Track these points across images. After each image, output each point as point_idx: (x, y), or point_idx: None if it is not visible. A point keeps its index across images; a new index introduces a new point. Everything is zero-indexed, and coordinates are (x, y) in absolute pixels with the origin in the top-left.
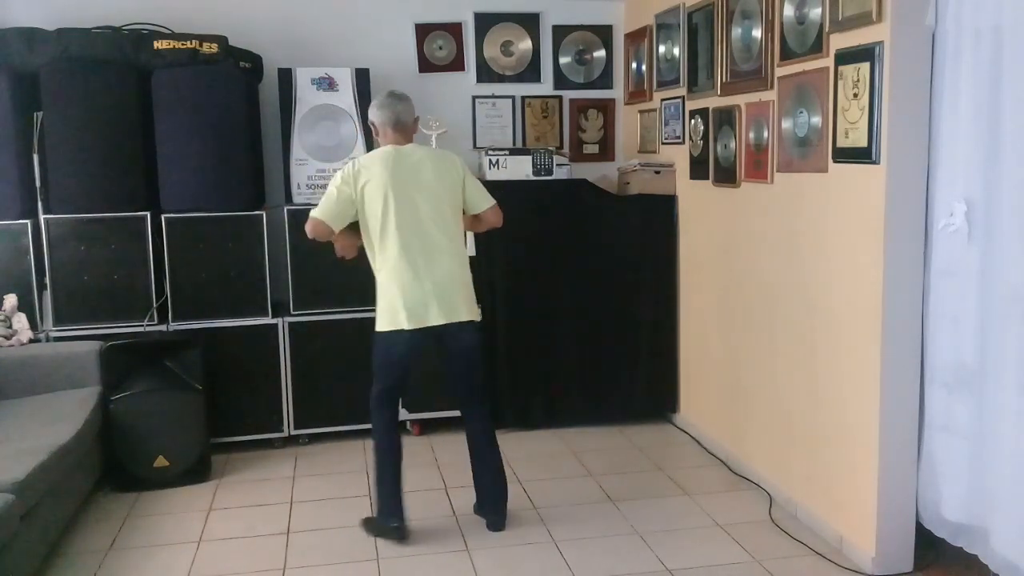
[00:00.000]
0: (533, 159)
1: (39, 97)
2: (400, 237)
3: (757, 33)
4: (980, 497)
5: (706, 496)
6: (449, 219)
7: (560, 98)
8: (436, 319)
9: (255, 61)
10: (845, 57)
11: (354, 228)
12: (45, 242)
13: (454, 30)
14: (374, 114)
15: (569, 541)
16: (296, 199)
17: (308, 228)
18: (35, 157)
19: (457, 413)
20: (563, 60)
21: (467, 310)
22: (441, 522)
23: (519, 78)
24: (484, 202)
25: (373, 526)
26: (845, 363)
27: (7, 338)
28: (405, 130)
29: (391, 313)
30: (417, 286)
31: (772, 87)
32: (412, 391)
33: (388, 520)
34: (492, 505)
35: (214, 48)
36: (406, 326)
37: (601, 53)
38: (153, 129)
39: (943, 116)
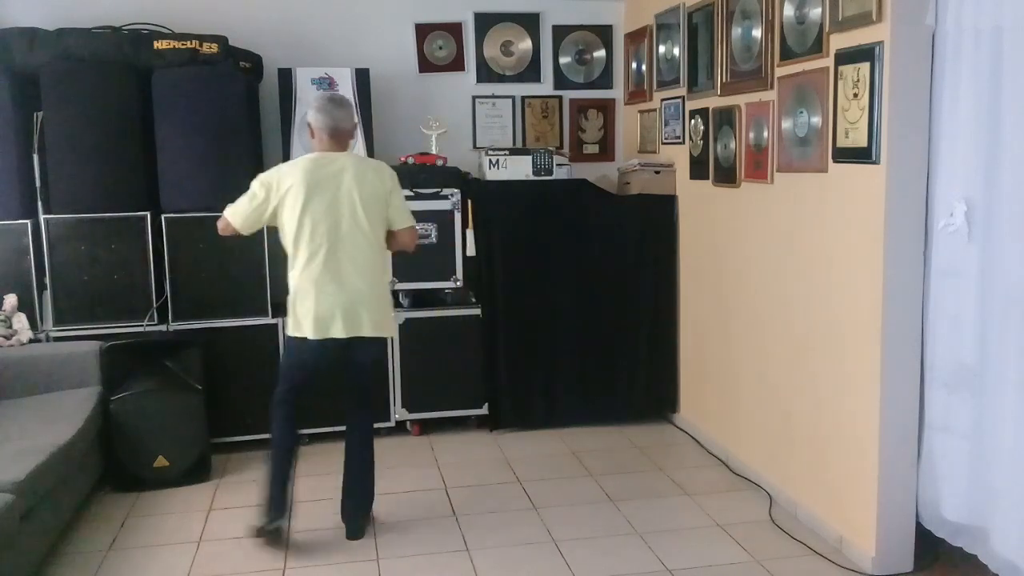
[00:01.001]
0: (533, 159)
1: (39, 97)
2: (311, 248)
3: (757, 33)
4: (980, 497)
5: (706, 496)
6: (367, 231)
7: (560, 98)
8: (338, 332)
9: (255, 61)
10: (845, 57)
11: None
12: (45, 242)
13: (454, 30)
14: (312, 117)
15: (569, 541)
16: None
17: (219, 225)
18: (35, 157)
19: (457, 413)
20: (563, 60)
21: (371, 326)
22: (441, 522)
23: (519, 78)
24: (402, 221)
25: (256, 530)
26: (845, 363)
27: (7, 338)
28: (341, 137)
29: (296, 321)
30: (323, 299)
31: (772, 87)
32: (411, 392)
33: (270, 520)
34: (352, 512)
35: (214, 48)
36: (310, 336)
37: (601, 53)
38: (153, 129)
39: (943, 116)
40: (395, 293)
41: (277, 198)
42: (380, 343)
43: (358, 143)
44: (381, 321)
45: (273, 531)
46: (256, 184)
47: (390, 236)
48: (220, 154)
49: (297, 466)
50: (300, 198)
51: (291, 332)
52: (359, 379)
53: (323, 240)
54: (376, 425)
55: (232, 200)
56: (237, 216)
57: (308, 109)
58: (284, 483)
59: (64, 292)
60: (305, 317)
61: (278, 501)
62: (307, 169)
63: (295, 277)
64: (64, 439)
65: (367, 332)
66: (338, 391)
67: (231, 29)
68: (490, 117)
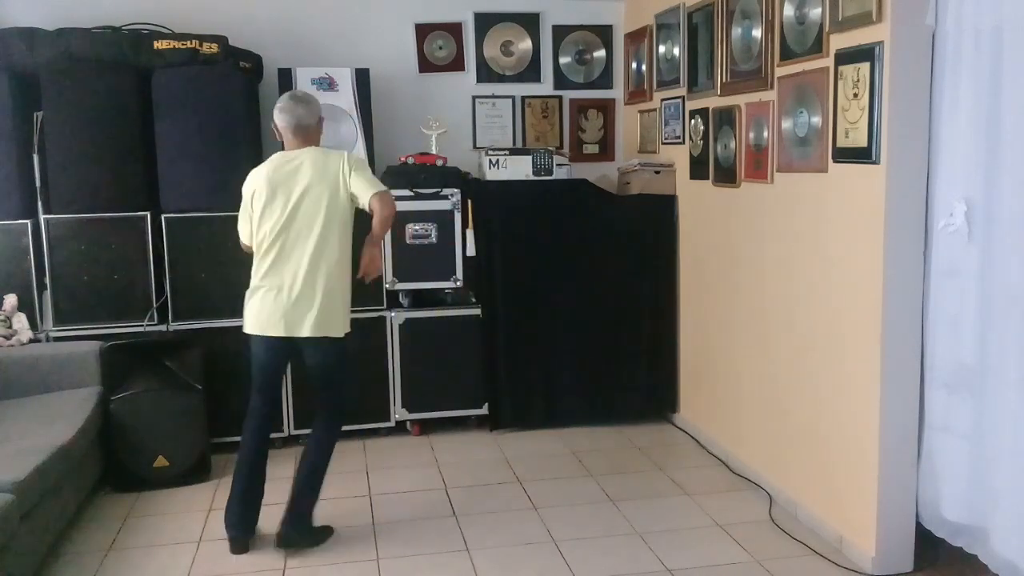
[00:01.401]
0: (533, 159)
1: (39, 97)
2: (264, 247)
3: (757, 33)
4: (980, 497)
5: (706, 496)
6: (324, 228)
7: (560, 98)
8: (277, 331)
9: (255, 61)
10: (845, 57)
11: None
12: (45, 242)
13: (454, 30)
14: (276, 117)
15: (569, 541)
16: None
17: (244, 249)
18: (35, 157)
19: (457, 413)
20: (563, 60)
21: (313, 327)
22: (441, 522)
23: (519, 78)
24: (369, 190)
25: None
26: (845, 363)
27: (7, 338)
28: (307, 134)
29: (245, 317)
30: (268, 296)
31: (772, 87)
32: (411, 392)
33: (233, 534)
34: (287, 514)
35: (214, 48)
36: (252, 331)
37: (601, 53)
38: (153, 129)
39: (943, 116)
40: (395, 293)
41: (250, 203)
42: (328, 344)
43: (358, 142)
44: (327, 322)
45: (236, 541)
46: (243, 202)
47: (375, 218)
48: (220, 154)
49: (264, 481)
50: (261, 199)
51: (244, 327)
52: (316, 382)
53: (275, 240)
54: (376, 425)
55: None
56: (243, 234)
57: (274, 110)
58: (246, 498)
59: (64, 292)
60: (250, 314)
61: (238, 517)
62: (267, 171)
63: (253, 275)
64: (64, 439)
65: (307, 332)
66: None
67: (231, 29)
68: (490, 117)
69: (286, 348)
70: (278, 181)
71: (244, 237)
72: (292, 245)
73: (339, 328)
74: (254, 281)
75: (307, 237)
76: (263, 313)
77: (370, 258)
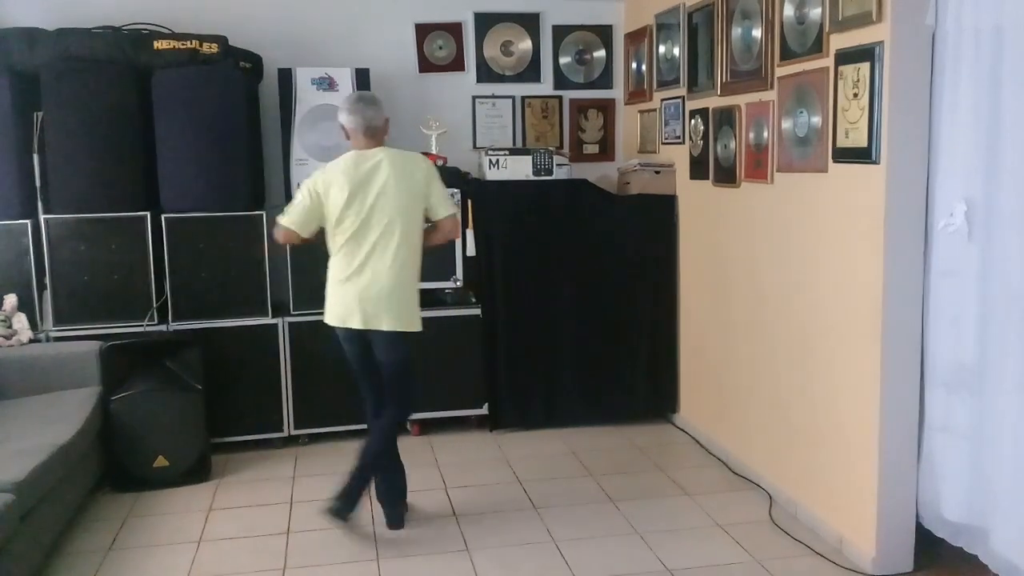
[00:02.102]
0: (533, 159)
1: (39, 97)
2: (345, 242)
3: (757, 33)
4: (980, 497)
5: (706, 496)
6: (400, 226)
7: (560, 98)
8: (356, 324)
9: (255, 61)
10: (845, 57)
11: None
12: (45, 242)
13: (454, 30)
14: (344, 119)
15: (569, 541)
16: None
17: (278, 236)
18: (35, 157)
19: (457, 413)
20: (563, 60)
21: (390, 320)
22: (441, 522)
23: (519, 78)
24: (443, 210)
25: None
26: (845, 363)
27: (7, 338)
28: (375, 135)
29: (328, 309)
30: (349, 290)
31: (772, 87)
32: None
33: (338, 509)
34: (389, 501)
35: (214, 48)
36: (331, 323)
37: (601, 53)
38: (153, 129)
39: (943, 116)
40: None
41: (322, 199)
42: (401, 339)
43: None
44: (405, 316)
45: (338, 510)
46: (305, 187)
47: (432, 228)
48: (220, 154)
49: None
50: (342, 196)
51: (325, 318)
52: (387, 375)
53: (356, 234)
54: None
55: (232, 199)
56: (294, 220)
57: (339, 112)
58: (364, 484)
59: (64, 292)
60: (330, 306)
61: (350, 497)
62: (345, 168)
63: (332, 268)
64: (64, 439)
65: (384, 326)
66: (338, 391)
67: (231, 29)
68: (490, 117)
69: (364, 339)
70: (358, 178)
71: (294, 222)
72: (373, 241)
73: (415, 323)
74: (334, 274)
75: (387, 234)
76: (341, 306)
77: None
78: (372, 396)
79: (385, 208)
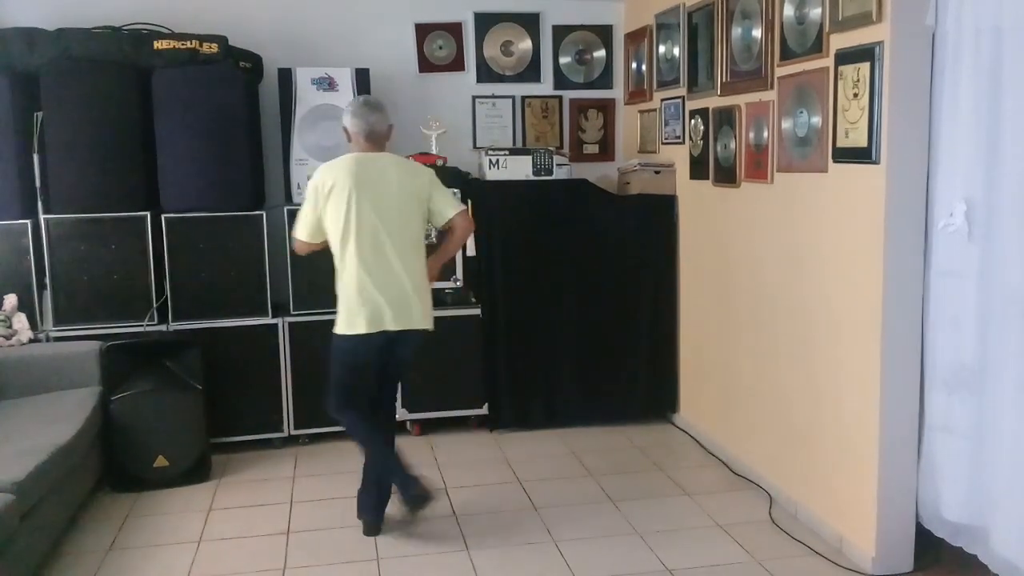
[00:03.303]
0: (533, 159)
1: (39, 97)
2: (358, 243)
3: (757, 33)
4: (980, 497)
5: (706, 496)
6: (410, 229)
7: (560, 98)
8: (391, 325)
9: (255, 61)
10: (845, 57)
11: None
12: (45, 242)
13: (454, 30)
14: (348, 122)
15: (569, 541)
16: (296, 199)
17: (299, 250)
18: (35, 157)
19: (457, 413)
20: (563, 60)
21: (421, 318)
22: (441, 522)
23: (519, 78)
24: (451, 209)
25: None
26: (845, 363)
27: (7, 338)
28: (378, 140)
29: (350, 319)
30: (378, 294)
31: (772, 87)
32: (411, 392)
33: (415, 492)
34: (401, 490)
35: (214, 48)
36: (365, 330)
37: (601, 53)
38: (153, 129)
39: (943, 116)
40: None
41: (323, 200)
42: (422, 335)
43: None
44: (427, 312)
45: (419, 497)
46: (308, 199)
47: (446, 231)
48: (220, 154)
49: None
50: (345, 196)
51: (344, 331)
52: (397, 373)
53: (372, 237)
54: None
55: (232, 199)
56: (307, 232)
57: (344, 113)
58: (400, 468)
59: (64, 292)
60: (358, 314)
61: (405, 479)
62: (351, 168)
63: (348, 274)
64: (64, 439)
65: (417, 324)
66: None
67: (231, 29)
68: (490, 117)
69: (386, 343)
70: (365, 180)
71: (305, 234)
72: (382, 243)
73: (431, 320)
74: (354, 280)
75: (396, 237)
76: (376, 309)
77: (436, 272)
78: (364, 400)
79: (396, 212)
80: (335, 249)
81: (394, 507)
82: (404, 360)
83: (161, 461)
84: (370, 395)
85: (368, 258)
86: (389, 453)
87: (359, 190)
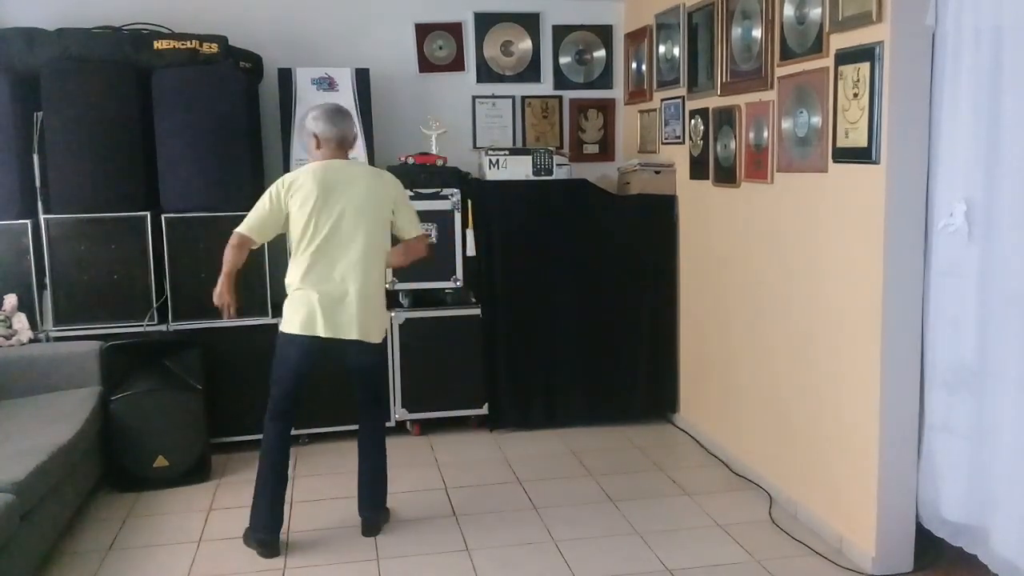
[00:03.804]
0: (533, 159)
1: (39, 97)
2: (313, 249)
3: (757, 33)
4: (980, 497)
5: (706, 496)
6: (371, 237)
7: (560, 98)
8: (322, 331)
9: (255, 61)
10: (845, 57)
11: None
12: (45, 242)
13: (454, 30)
14: (319, 128)
15: (569, 541)
16: None
17: (230, 246)
18: (35, 157)
19: (457, 413)
20: (563, 60)
21: (358, 330)
22: (441, 522)
23: (519, 78)
24: (413, 230)
25: (247, 537)
26: (845, 363)
27: (7, 338)
28: (347, 147)
29: (288, 317)
30: (315, 298)
31: (772, 87)
32: (411, 392)
33: (263, 537)
34: (366, 508)
35: (214, 48)
36: (297, 331)
37: (601, 53)
38: (153, 129)
39: (943, 116)
40: (395, 293)
41: (285, 204)
42: (370, 348)
43: (358, 142)
44: (368, 325)
45: (266, 544)
46: (265, 197)
47: (403, 247)
48: (220, 154)
49: (287, 483)
50: (310, 202)
51: (282, 328)
52: (364, 381)
53: (324, 242)
54: None
55: (232, 199)
56: (252, 228)
57: (310, 120)
58: (276, 501)
59: (64, 292)
60: (296, 313)
61: (266, 518)
62: (319, 175)
63: (294, 275)
64: (64, 439)
65: (352, 335)
66: (338, 391)
67: (231, 29)
68: (490, 117)
69: (324, 349)
70: (332, 187)
71: (252, 231)
72: (342, 250)
73: (381, 333)
74: (296, 280)
75: (357, 245)
76: (306, 313)
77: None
78: (290, 409)
79: (361, 220)
80: (292, 249)
81: (393, 502)
82: (364, 368)
83: (161, 461)
84: (299, 407)
85: (315, 264)
86: (384, 453)
87: (326, 197)
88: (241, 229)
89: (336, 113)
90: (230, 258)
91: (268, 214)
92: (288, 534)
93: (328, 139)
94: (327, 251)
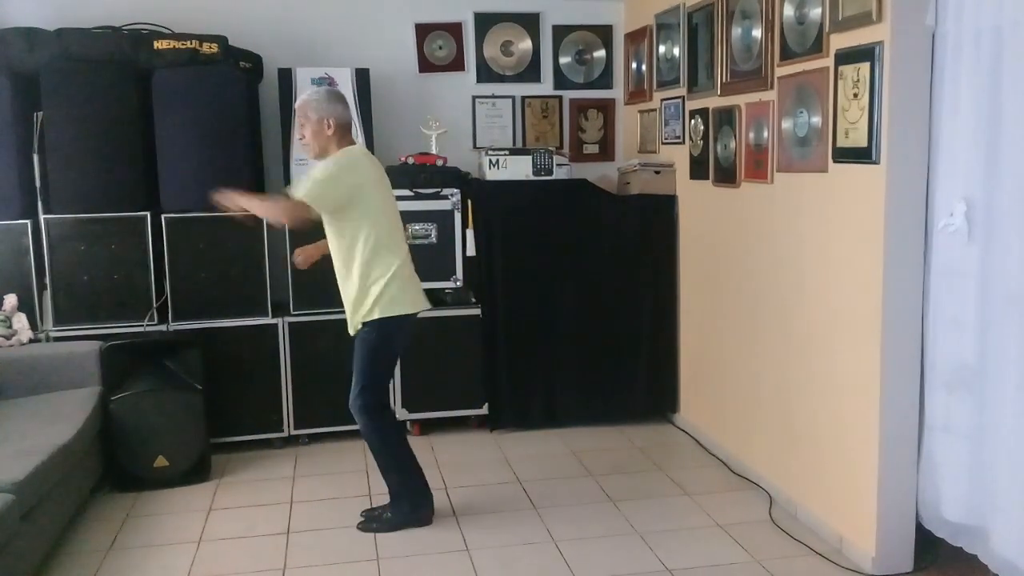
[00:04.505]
0: (533, 159)
1: (39, 97)
2: (396, 228)
3: (757, 33)
4: (980, 497)
5: (706, 496)
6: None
7: (560, 98)
8: (426, 304)
9: (255, 61)
10: (845, 57)
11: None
12: (45, 242)
13: (454, 30)
14: (336, 111)
15: (569, 541)
16: None
17: (285, 213)
18: (35, 157)
19: (457, 413)
20: (563, 60)
21: (425, 301)
22: (441, 522)
23: (519, 78)
24: (301, 189)
25: (398, 518)
26: (845, 363)
27: (7, 338)
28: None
29: (402, 299)
30: (412, 276)
31: (772, 87)
32: (411, 392)
33: (423, 505)
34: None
35: (214, 48)
36: (410, 310)
37: (601, 53)
38: (153, 129)
39: (943, 116)
40: None
41: (361, 187)
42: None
43: (359, 142)
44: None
45: (433, 512)
46: (338, 171)
47: (279, 202)
48: (220, 154)
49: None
50: (380, 189)
51: (391, 312)
52: (402, 357)
53: (398, 223)
54: None
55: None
56: (322, 196)
57: (321, 103)
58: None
59: (64, 292)
60: (405, 292)
61: (427, 491)
62: (371, 160)
63: (386, 258)
64: (64, 439)
65: (425, 306)
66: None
67: (231, 29)
68: (490, 117)
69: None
70: (380, 176)
71: (319, 199)
72: (400, 230)
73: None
74: (396, 261)
75: (400, 223)
76: (415, 291)
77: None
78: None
79: (392, 197)
80: (366, 236)
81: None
82: (409, 345)
83: (161, 461)
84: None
85: (398, 247)
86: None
87: (384, 186)
88: (304, 196)
89: (341, 96)
90: (292, 217)
91: (341, 188)
92: (288, 534)
93: (344, 124)
94: (398, 230)
